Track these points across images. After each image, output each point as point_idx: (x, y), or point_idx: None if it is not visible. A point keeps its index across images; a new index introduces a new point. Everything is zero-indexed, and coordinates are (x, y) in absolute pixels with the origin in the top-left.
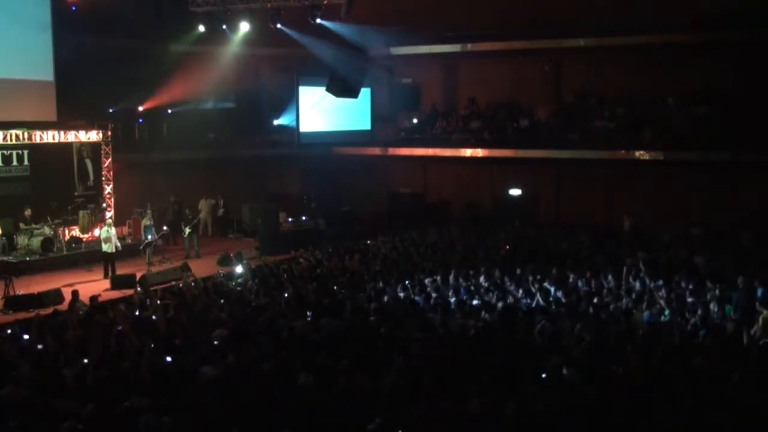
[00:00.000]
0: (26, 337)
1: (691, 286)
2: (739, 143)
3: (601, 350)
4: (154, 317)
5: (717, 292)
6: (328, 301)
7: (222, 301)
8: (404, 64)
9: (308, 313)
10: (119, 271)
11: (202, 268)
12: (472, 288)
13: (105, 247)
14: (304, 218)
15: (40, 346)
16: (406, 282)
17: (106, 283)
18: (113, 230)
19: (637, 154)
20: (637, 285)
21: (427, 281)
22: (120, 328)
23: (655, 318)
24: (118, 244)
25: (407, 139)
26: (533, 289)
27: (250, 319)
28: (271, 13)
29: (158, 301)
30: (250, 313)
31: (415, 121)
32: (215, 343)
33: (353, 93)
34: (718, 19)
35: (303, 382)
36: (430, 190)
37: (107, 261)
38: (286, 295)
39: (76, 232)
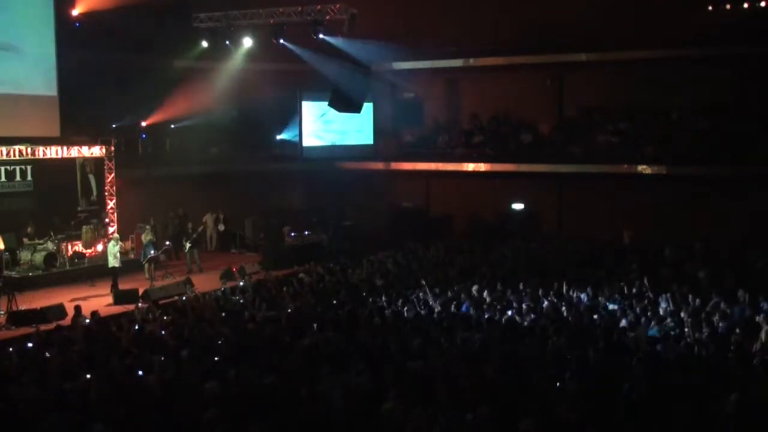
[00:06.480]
0: (30, 351)
1: (697, 301)
2: (742, 156)
3: (604, 365)
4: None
5: (722, 305)
6: (331, 315)
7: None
8: (407, 79)
9: (312, 328)
10: (122, 287)
11: (204, 282)
12: (475, 302)
13: (113, 262)
14: (306, 233)
15: (43, 361)
16: (410, 296)
17: (109, 298)
18: (120, 245)
19: (639, 168)
20: (639, 299)
21: (429, 295)
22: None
23: (658, 332)
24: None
25: (410, 153)
26: (536, 304)
27: (253, 333)
28: (274, 28)
29: (164, 317)
30: (253, 327)
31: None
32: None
33: (356, 108)
34: (719, 34)
35: (304, 397)
36: (433, 205)
37: (115, 276)
38: (289, 310)
39: (79, 247)
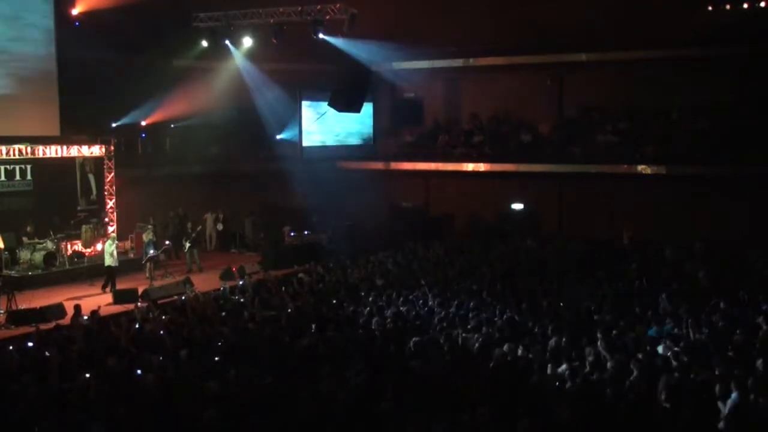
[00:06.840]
0: (29, 351)
1: (695, 301)
2: (742, 156)
3: (604, 365)
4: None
5: (722, 305)
6: (331, 315)
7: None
8: (407, 79)
9: (311, 328)
10: (121, 286)
11: (204, 282)
12: (475, 302)
13: (109, 261)
14: (306, 233)
15: (42, 360)
16: (409, 296)
17: (109, 297)
18: (116, 244)
19: (639, 168)
20: (640, 299)
21: (429, 296)
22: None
23: (659, 332)
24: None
25: (409, 153)
26: (535, 304)
27: (253, 333)
28: (274, 28)
29: (164, 316)
30: (253, 327)
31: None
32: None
33: (356, 108)
34: (719, 34)
35: (304, 397)
36: (433, 205)
37: (110, 275)
38: (289, 310)
39: (78, 246)
